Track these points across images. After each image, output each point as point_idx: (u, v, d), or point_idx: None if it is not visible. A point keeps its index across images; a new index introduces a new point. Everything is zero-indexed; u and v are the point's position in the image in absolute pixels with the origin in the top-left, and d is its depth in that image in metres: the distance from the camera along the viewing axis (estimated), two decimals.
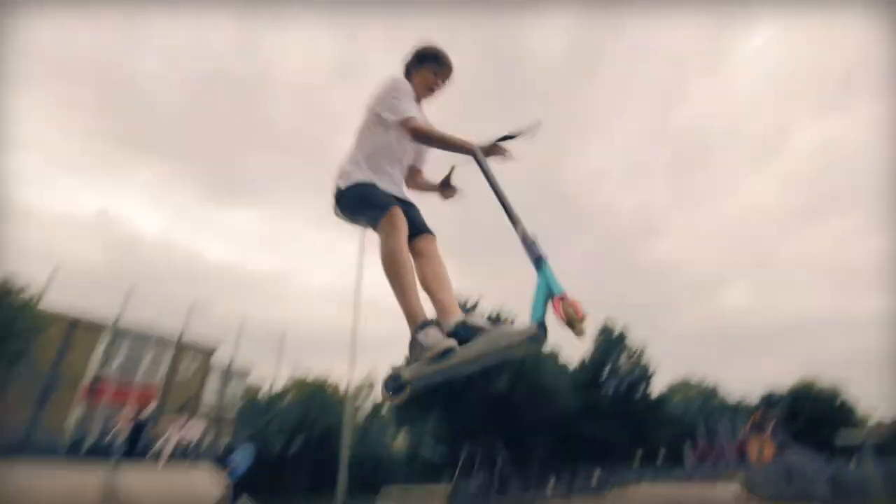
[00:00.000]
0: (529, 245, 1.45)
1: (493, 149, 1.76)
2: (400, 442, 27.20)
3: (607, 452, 26.52)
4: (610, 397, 29.90)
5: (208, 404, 22.30)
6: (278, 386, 23.74)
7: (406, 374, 1.49)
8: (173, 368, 20.75)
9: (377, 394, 30.02)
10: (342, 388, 23.52)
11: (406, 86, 1.93)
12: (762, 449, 16.07)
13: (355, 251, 18.09)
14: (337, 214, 1.93)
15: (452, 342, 1.41)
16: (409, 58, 2.11)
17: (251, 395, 23.96)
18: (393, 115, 1.83)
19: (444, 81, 2.11)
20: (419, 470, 24.17)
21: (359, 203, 1.79)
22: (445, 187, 2.10)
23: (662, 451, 26.22)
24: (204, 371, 22.70)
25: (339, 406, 20.74)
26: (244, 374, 25.09)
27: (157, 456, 9.83)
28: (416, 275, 1.69)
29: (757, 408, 27.81)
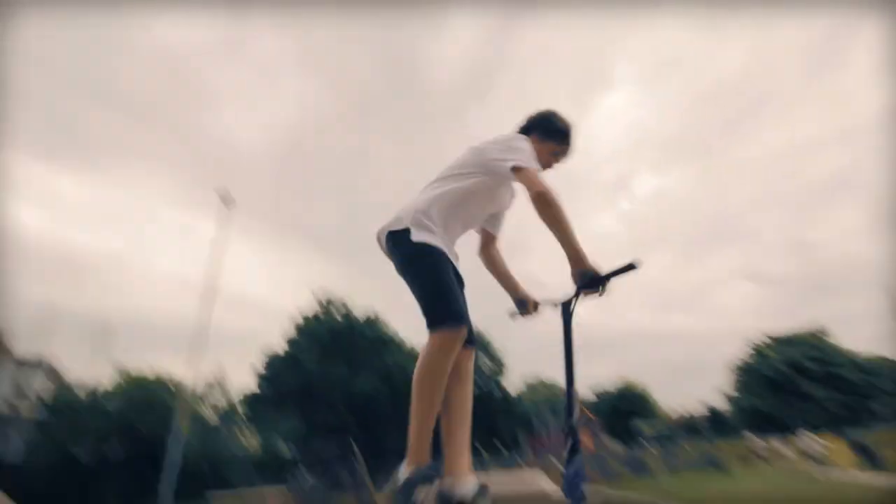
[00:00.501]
0: (571, 428, 1.33)
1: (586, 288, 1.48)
2: (255, 444, 25.35)
3: None
4: (474, 396, 32.39)
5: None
6: (103, 383, 20.23)
7: None
8: None
9: (233, 392, 27.48)
10: (186, 385, 21.08)
11: (532, 147, 1.64)
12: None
13: (210, 236, 16.13)
14: (382, 247, 1.65)
15: None
16: (534, 119, 1.85)
17: (62, 394, 19.94)
18: (514, 158, 1.54)
19: (559, 162, 1.86)
20: (274, 472, 22.89)
21: (424, 271, 1.50)
22: (524, 307, 1.82)
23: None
24: None
25: (186, 406, 18.58)
26: (50, 369, 20.76)
27: None
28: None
29: (586, 405, 33.32)
